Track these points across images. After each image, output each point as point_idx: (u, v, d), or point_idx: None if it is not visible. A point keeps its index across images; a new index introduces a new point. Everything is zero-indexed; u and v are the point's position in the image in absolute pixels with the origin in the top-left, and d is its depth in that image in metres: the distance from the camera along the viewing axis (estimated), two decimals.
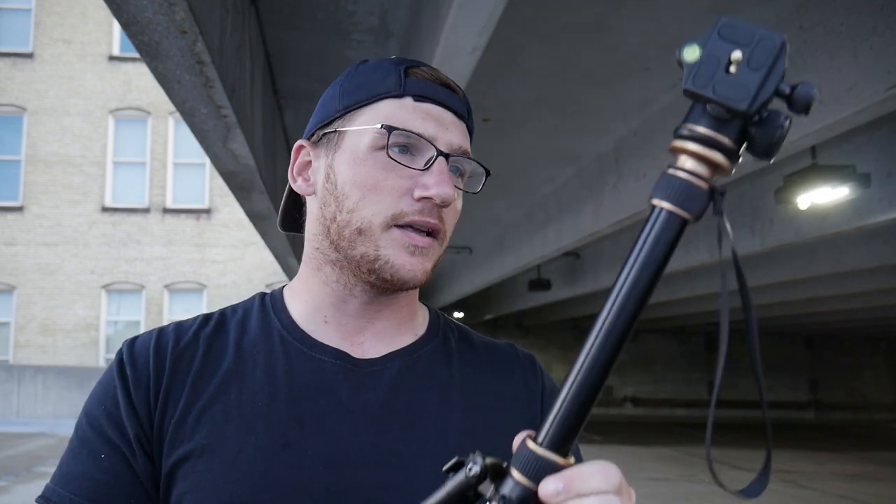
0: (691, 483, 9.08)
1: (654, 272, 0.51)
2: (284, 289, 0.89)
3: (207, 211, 16.64)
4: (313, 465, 0.74)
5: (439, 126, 0.79)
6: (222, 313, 0.86)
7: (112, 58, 16.39)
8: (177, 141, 16.37)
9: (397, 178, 0.77)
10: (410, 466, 0.77)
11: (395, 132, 0.77)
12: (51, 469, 8.90)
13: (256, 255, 16.16)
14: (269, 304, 0.87)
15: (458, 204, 0.83)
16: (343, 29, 3.98)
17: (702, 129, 0.48)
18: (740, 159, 0.49)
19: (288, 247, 7.18)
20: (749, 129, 0.48)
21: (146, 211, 16.38)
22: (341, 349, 0.82)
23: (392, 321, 0.85)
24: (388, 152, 0.77)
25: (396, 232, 0.77)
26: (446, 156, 0.78)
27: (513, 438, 0.83)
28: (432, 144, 0.78)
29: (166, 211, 16.42)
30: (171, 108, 9.87)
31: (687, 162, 0.50)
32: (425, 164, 0.77)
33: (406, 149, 0.78)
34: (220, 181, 14.39)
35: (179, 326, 0.84)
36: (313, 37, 4.10)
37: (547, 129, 5.44)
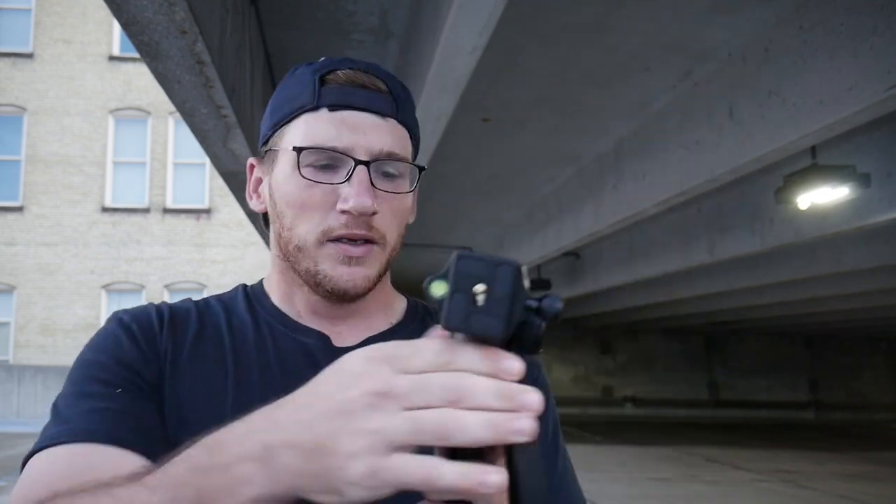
0: (691, 483, 9.08)
1: None
2: (262, 281, 0.91)
3: (207, 211, 16.64)
4: None
5: (356, 133, 0.78)
6: (207, 299, 0.88)
7: (112, 58, 16.40)
8: (177, 141, 16.37)
9: (321, 195, 0.78)
10: None
11: (304, 152, 0.77)
12: None
13: (256, 255, 16.17)
14: (252, 295, 0.89)
15: (400, 203, 0.82)
16: (343, 29, 3.98)
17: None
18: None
19: None
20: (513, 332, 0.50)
21: (146, 211, 16.38)
22: (322, 331, 0.84)
23: (363, 316, 0.86)
24: (300, 173, 0.77)
25: (330, 246, 0.78)
26: (367, 163, 0.77)
27: None
28: (348, 156, 0.77)
29: (166, 211, 16.42)
30: (171, 108, 9.87)
31: None
32: (347, 176, 0.77)
33: (327, 164, 0.78)
34: (220, 181, 14.38)
35: (168, 304, 0.86)
36: (313, 37, 4.10)
37: (547, 129, 5.44)
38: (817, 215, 5.63)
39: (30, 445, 0.71)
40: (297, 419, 0.50)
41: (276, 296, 0.87)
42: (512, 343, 0.50)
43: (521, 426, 0.46)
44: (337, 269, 0.79)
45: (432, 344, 0.49)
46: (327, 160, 0.78)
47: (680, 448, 12.93)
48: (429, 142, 4.23)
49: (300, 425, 0.50)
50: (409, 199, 0.84)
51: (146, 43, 2.52)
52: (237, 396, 0.78)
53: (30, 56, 16.36)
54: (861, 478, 9.88)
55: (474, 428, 0.46)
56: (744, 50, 3.96)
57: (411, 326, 0.88)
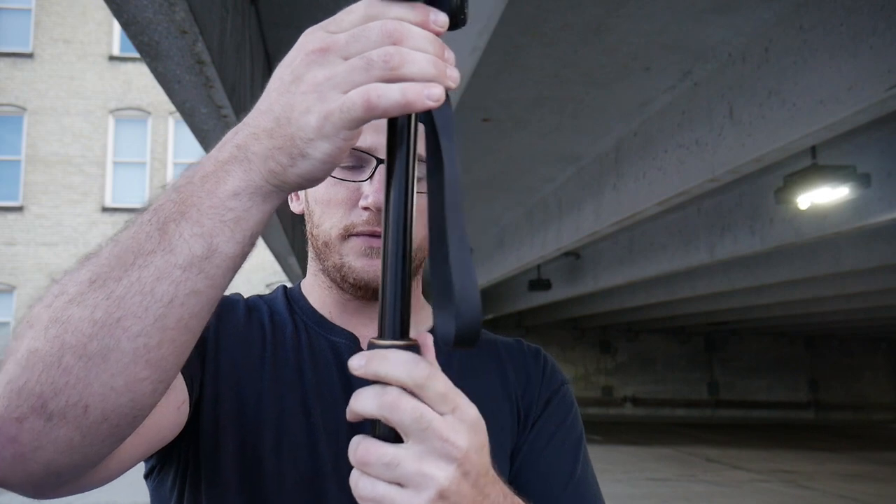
0: (691, 483, 9.07)
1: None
2: (300, 285, 0.96)
3: None
4: (327, 434, 0.81)
5: (379, 133, 0.79)
6: (253, 297, 0.95)
7: (112, 58, 16.40)
8: (177, 141, 16.37)
9: (345, 192, 0.82)
10: None
11: None
12: None
13: (256, 255, 16.11)
14: (291, 296, 0.94)
15: (421, 203, 0.83)
16: None
17: None
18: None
19: (288, 247, 7.18)
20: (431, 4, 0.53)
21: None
22: (352, 332, 0.89)
23: None
24: None
25: (353, 239, 0.83)
26: None
27: (507, 426, 0.85)
28: (371, 154, 0.80)
29: None
30: (171, 108, 9.87)
31: None
32: (370, 174, 0.81)
33: (352, 163, 0.82)
34: None
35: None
36: None
37: (547, 129, 5.44)
38: (817, 215, 5.62)
39: None
40: (258, 112, 0.54)
41: (311, 298, 0.92)
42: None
43: (453, 73, 0.50)
44: (360, 261, 0.82)
45: (361, 3, 0.52)
46: (353, 160, 0.81)
47: (680, 448, 12.93)
48: None
49: (262, 114, 0.53)
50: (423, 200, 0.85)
51: (146, 43, 2.51)
52: (273, 391, 0.82)
53: (30, 56, 16.35)
54: (861, 478, 9.88)
55: (422, 61, 0.49)
56: (744, 50, 3.96)
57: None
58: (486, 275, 10.52)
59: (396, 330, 0.53)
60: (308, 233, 0.89)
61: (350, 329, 0.89)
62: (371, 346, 0.53)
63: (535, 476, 0.86)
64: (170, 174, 16.53)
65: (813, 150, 4.82)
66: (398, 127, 0.53)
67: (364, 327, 0.89)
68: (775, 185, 5.37)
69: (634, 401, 19.64)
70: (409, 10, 0.51)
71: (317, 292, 0.91)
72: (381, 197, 0.74)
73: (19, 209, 16.11)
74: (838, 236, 6.21)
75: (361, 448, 0.51)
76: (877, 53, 3.07)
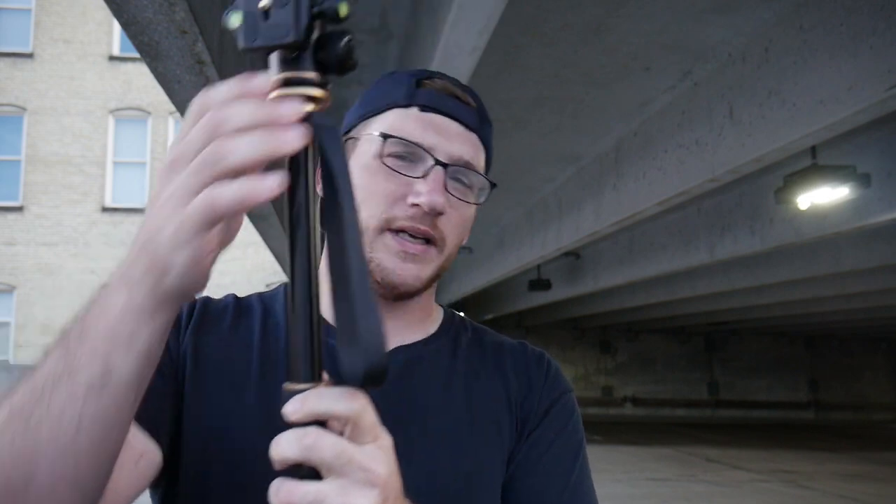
0: (691, 483, 9.07)
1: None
2: None
3: None
4: None
5: (441, 136, 0.81)
6: (250, 297, 0.91)
7: (112, 58, 16.40)
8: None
9: (394, 184, 0.80)
10: (404, 457, 0.77)
11: (390, 140, 0.80)
12: None
13: (256, 255, 16.16)
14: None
15: (465, 213, 0.84)
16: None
17: (282, 75, 0.53)
18: (329, 84, 0.55)
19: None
20: (319, 55, 0.54)
21: (146, 211, 16.40)
22: None
23: (403, 321, 0.87)
24: (382, 159, 0.80)
25: (388, 236, 0.79)
26: (444, 165, 0.80)
27: (505, 431, 0.84)
28: (430, 154, 0.80)
29: None
30: (171, 108, 9.87)
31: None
32: (423, 173, 0.80)
33: (405, 157, 0.80)
34: None
35: (207, 299, 0.88)
36: None
37: (547, 129, 5.44)
38: (817, 215, 5.62)
39: None
40: (138, 233, 0.55)
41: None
42: (323, 65, 0.54)
43: (288, 137, 0.49)
44: (391, 261, 0.80)
45: (195, 100, 0.53)
46: (408, 154, 0.80)
47: (680, 448, 12.93)
48: None
49: (138, 235, 0.55)
50: (472, 211, 0.86)
51: (146, 43, 2.51)
52: (260, 399, 0.79)
53: (30, 56, 16.36)
54: (861, 478, 9.88)
55: (244, 147, 0.48)
56: (744, 50, 3.96)
57: (441, 340, 0.90)
58: (486, 275, 10.53)
59: (313, 373, 0.53)
60: None
61: None
62: (287, 393, 0.53)
63: (530, 485, 0.85)
64: None
65: (813, 150, 4.82)
66: (298, 164, 0.54)
67: None
68: (775, 185, 5.37)
69: (634, 401, 19.64)
70: (227, 90, 0.52)
71: (327, 284, 0.88)
72: (438, 200, 0.78)
73: (19, 209, 16.11)
74: (838, 236, 6.21)
75: (283, 491, 0.50)
76: (877, 53, 3.07)
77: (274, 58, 0.54)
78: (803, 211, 5.37)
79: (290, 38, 0.52)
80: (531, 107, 4.99)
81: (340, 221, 0.53)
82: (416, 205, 0.78)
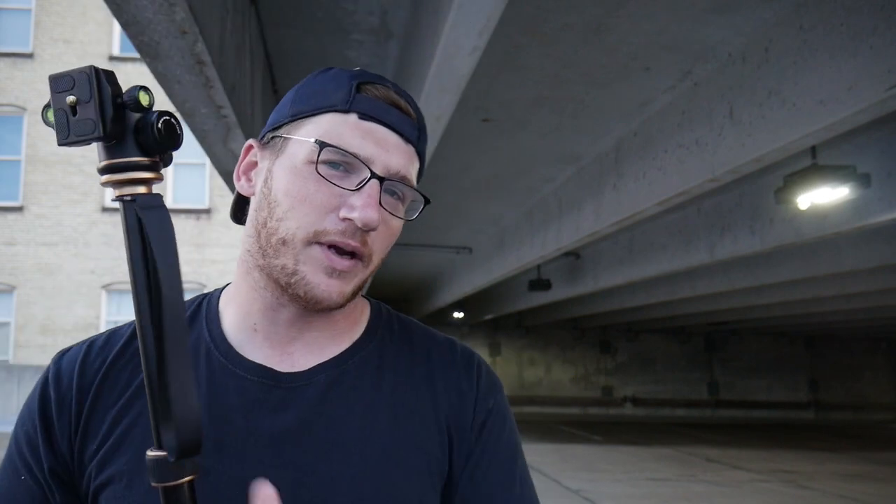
0: (691, 483, 9.07)
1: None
2: (222, 293, 0.87)
3: (207, 211, 16.65)
4: (231, 491, 0.72)
5: (379, 147, 0.77)
6: (95, 341, 0.84)
7: (112, 58, 16.40)
8: None
9: (326, 195, 0.76)
10: (327, 488, 0.76)
11: (327, 148, 0.75)
12: None
13: None
14: (204, 312, 0.85)
15: (394, 226, 0.81)
16: (343, 29, 3.98)
17: (110, 161, 0.59)
18: (161, 163, 0.62)
19: None
20: (139, 139, 0.58)
21: None
22: (266, 364, 0.80)
23: (326, 332, 0.83)
24: (317, 168, 0.75)
25: (317, 249, 0.76)
26: (381, 179, 0.76)
27: (427, 447, 0.82)
28: (366, 166, 0.76)
29: None
30: (171, 108, 9.88)
31: (125, 188, 0.61)
32: (357, 185, 0.76)
33: (341, 166, 0.76)
34: (220, 181, 14.36)
35: (111, 337, 0.84)
36: (313, 37, 4.10)
37: (547, 129, 5.44)
38: (817, 215, 5.63)
39: None
40: None
41: (231, 310, 0.84)
42: (145, 148, 0.58)
43: None
44: (317, 276, 0.76)
45: None
46: (343, 164, 0.76)
47: (680, 448, 12.93)
48: (429, 142, 4.23)
49: None
50: (400, 224, 0.82)
51: (146, 43, 2.52)
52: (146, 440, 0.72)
53: (30, 56, 16.36)
54: (861, 478, 9.88)
55: None
56: (744, 50, 3.96)
57: (367, 349, 0.85)
58: (486, 275, 10.53)
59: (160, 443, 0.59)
60: (257, 222, 0.79)
61: (271, 343, 0.81)
62: (154, 462, 0.59)
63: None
64: (170, 174, 16.53)
65: (813, 150, 4.82)
66: (129, 227, 0.59)
67: (292, 342, 0.81)
68: (775, 185, 5.37)
69: (634, 401, 19.64)
70: None
71: (242, 297, 0.83)
72: (372, 216, 0.74)
73: (19, 209, 16.12)
74: (838, 236, 6.21)
75: None
76: (877, 53, 3.07)
77: (98, 146, 0.59)
78: (803, 211, 5.37)
79: (97, 133, 0.56)
80: (531, 107, 4.99)
81: (159, 300, 0.57)
82: (349, 219, 0.75)
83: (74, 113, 0.56)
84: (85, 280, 16.08)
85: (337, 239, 0.75)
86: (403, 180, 0.79)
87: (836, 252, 7.29)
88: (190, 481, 0.59)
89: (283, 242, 0.76)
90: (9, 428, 13.49)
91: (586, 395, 19.01)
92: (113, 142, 0.57)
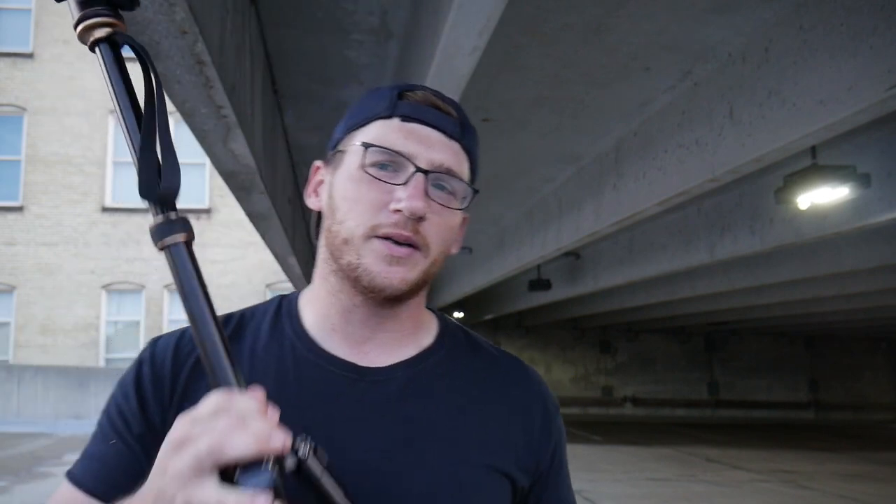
0: (691, 483, 9.07)
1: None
2: (300, 295, 0.94)
3: (207, 211, 16.65)
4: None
5: (422, 144, 0.84)
6: (242, 315, 0.92)
7: None
8: (176, 141, 16.36)
9: (377, 193, 0.82)
10: (403, 477, 0.82)
11: (371, 149, 0.83)
12: (50, 469, 8.91)
13: (256, 255, 16.16)
14: (285, 311, 0.92)
15: (449, 219, 0.86)
16: (343, 29, 3.98)
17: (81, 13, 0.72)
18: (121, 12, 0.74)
19: (288, 247, 7.18)
20: None
21: (146, 211, 16.34)
22: (348, 359, 0.86)
23: (396, 332, 0.89)
24: (366, 169, 0.83)
25: (375, 242, 0.82)
26: (425, 172, 0.82)
27: (518, 444, 0.90)
28: (410, 161, 0.83)
29: None
30: (171, 108, 9.86)
31: (94, 32, 0.73)
32: (404, 180, 0.82)
33: (388, 166, 0.83)
34: (220, 181, 14.35)
35: (182, 332, 0.89)
36: (313, 36, 4.10)
37: (547, 129, 5.44)
38: (817, 215, 5.62)
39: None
40: (141, 495, 0.67)
41: (310, 311, 0.90)
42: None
43: (276, 439, 0.61)
44: (378, 265, 0.82)
45: (213, 396, 0.65)
46: (390, 163, 0.83)
47: (680, 448, 12.93)
48: None
49: (144, 496, 0.66)
50: (457, 219, 0.88)
51: (146, 43, 2.51)
52: None
53: (30, 56, 16.36)
54: (861, 478, 9.88)
55: (240, 442, 0.60)
56: (744, 50, 3.96)
57: (440, 354, 0.92)
58: (486, 275, 10.53)
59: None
60: (325, 229, 0.88)
61: (348, 343, 0.87)
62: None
63: None
64: None
65: (813, 150, 4.82)
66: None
67: (367, 341, 0.87)
68: (775, 185, 5.37)
69: (634, 401, 19.64)
70: (249, 402, 0.63)
71: (321, 300, 0.89)
72: (417, 205, 0.81)
73: (19, 209, 16.12)
74: (838, 236, 6.21)
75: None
76: (877, 53, 3.06)
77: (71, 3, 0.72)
78: (803, 211, 5.37)
79: None
80: (531, 107, 4.98)
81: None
82: (399, 210, 0.81)
83: None
84: (85, 280, 16.08)
85: (391, 230, 0.82)
86: (449, 172, 0.85)
87: (836, 252, 7.29)
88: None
89: (346, 241, 0.84)
90: (10, 428, 13.50)
91: (586, 395, 19.01)
92: None
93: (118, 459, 0.82)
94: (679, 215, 7.51)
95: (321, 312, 0.89)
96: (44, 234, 16.07)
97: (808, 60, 3.47)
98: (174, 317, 16.52)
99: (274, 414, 0.63)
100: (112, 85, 0.73)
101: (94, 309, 16.10)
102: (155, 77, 0.73)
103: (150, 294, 16.33)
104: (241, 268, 16.54)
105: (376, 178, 0.82)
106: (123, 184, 16.50)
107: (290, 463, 0.65)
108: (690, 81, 4.47)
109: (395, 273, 0.82)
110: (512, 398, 0.92)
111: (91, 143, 16.31)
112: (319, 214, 0.93)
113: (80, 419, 14.46)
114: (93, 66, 16.88)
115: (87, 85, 16.27)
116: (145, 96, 0.74)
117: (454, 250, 0.91)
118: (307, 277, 8.39)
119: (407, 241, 0.82)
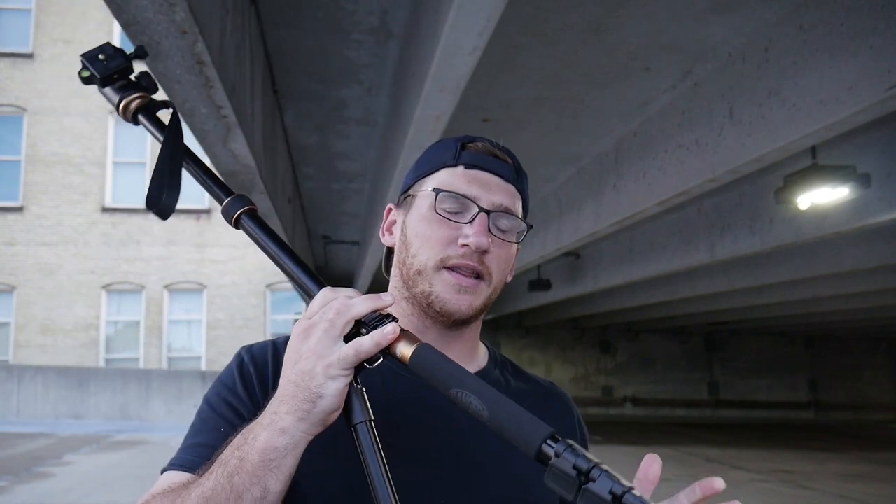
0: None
1: None
2: None
3: (207, 211, 16.64)
4: (407, 462, 0.90)
5: (483, 188, 0.99)
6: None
7: None
8: None
9: (447, 230, 0.98)
10: (484, 470, 0.96)
11: (441, 194, 0.98)
12: (50, 469, 8.91)
13: (256, 255, 16.16)
14: None
15: (508, 251, 1.01)
16: (343, 29, 3.99)
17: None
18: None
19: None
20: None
21: (146, 211, 16.27)
22: None
23: (461, 352, 1.02)
24: (436, 210, 0.98)
25: (445, 273, 0.97)
26: (487, 212, 0.97)
27: None
28: (475, 203, 0.98)
29: None
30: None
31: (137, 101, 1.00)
32: (470, 219, 0.97)
33: (455, 207, 0.98)
34: None
35: (285, 338, 1.01)
36: (313, 37, 4.10)
37: (547, 129, 5.44)
38: (817, 215, 5.62)
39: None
40: (281, 388, 0.79)
41: None
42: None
43: (387, 297, 0.81)
44: (448, 293, 0.96)
45: (319, 294, 0.82)
46: (457, 205, 0.98)
47: (680, 448, 12.93)
48: (428, 142, 4.22)
49: (283, 386, 0.79)
50: (514, 250, 1.03)
51: (146, 43, 2.51)
52: (343, 437, 0.86)
53: (30, 56, 16.36)
54: (861, 478, 9.88)
55: (358, 301, 0.79)
56: (744, 50, 3.96)
57: (494, 373, 1.07)
58: None
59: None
60: (399, 262, 1.01)
61: None
62: None
63: None
64: None
65: (813, 150, 4.82)
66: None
67: None
68: (775, 185, 5.37)
69: (634, 401, 19.63)
70: (348, 290, 0.80)
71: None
72: (482, 240, 0.95)
73: (19, 209, 16.12)
74: (838, 236, 6.21)
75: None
76: (877, 53, 3.06)
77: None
78: (803, 211, 5.37)
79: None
80: (531, 107, 4.98)
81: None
82: (466, 245, 0.95)
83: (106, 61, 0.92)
84: (85, 280, 16.08)
85: (459, 262, 0.96)
86: (507, 211, 1.00)
87: (836, 252, 7.29)
88: None
89: (419, 273, 0.98)
90: (10, 428, 13.49)
91: (586, 395, 19.00)
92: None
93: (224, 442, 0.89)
94: (679, 215, 7.51)
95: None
96: (44, 234, 16.07)
97: (808, 60, 3.47)
98: (174, 317, 16.51)
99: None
100: (156, 137, 0.96)
101: (94, 309, 16.10)
102: (176, 120, 0.95)
103: (150, 294, 16.32)
104: (241, 268, 16.54)
105: (446, 217, 0.97)
106: (123, 184, 16.51)
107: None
108: (690, 81, 4.47)
109: (463, 301, 0.96)
110: (554, 413, 1.06)
111: (91, 143, 16.31)
112: (389, 250, 1.07)
113: (79, 419, 14.46)
114: None
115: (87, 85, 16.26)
116: (166, 132, 0.96)
117: (509, 278, 1.04)
118: None
119: (473, 270, 0.96)
